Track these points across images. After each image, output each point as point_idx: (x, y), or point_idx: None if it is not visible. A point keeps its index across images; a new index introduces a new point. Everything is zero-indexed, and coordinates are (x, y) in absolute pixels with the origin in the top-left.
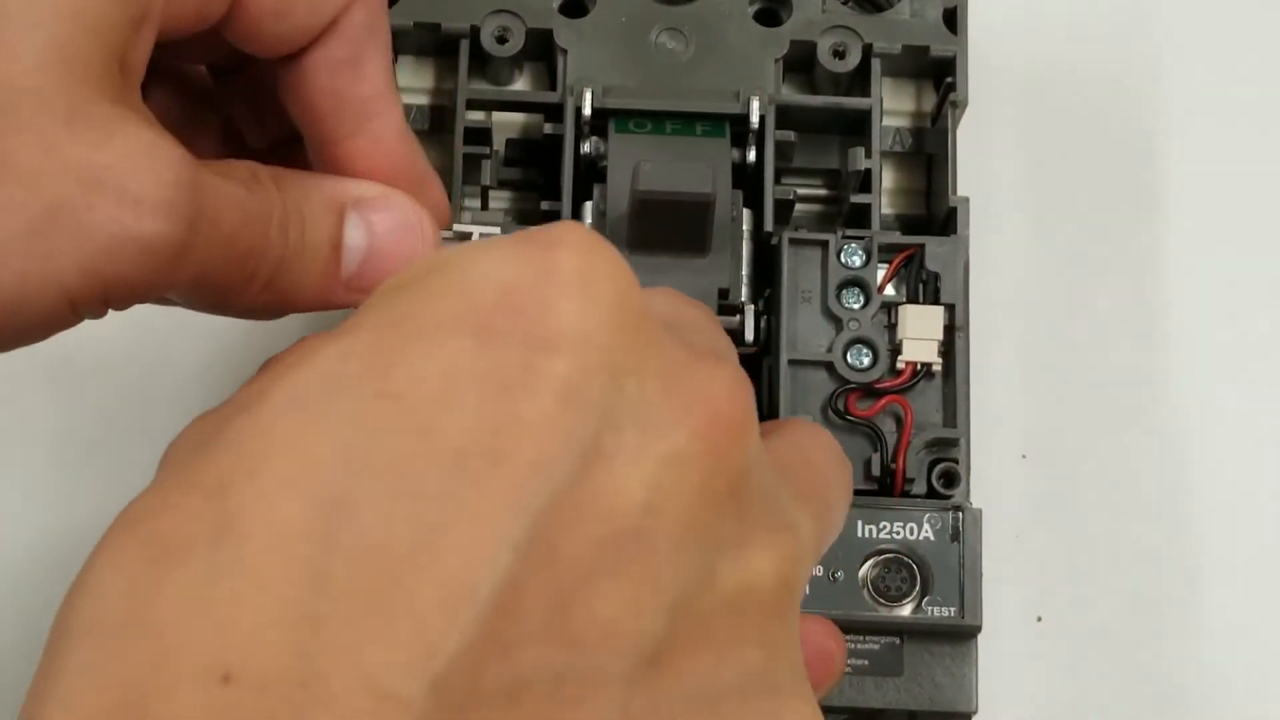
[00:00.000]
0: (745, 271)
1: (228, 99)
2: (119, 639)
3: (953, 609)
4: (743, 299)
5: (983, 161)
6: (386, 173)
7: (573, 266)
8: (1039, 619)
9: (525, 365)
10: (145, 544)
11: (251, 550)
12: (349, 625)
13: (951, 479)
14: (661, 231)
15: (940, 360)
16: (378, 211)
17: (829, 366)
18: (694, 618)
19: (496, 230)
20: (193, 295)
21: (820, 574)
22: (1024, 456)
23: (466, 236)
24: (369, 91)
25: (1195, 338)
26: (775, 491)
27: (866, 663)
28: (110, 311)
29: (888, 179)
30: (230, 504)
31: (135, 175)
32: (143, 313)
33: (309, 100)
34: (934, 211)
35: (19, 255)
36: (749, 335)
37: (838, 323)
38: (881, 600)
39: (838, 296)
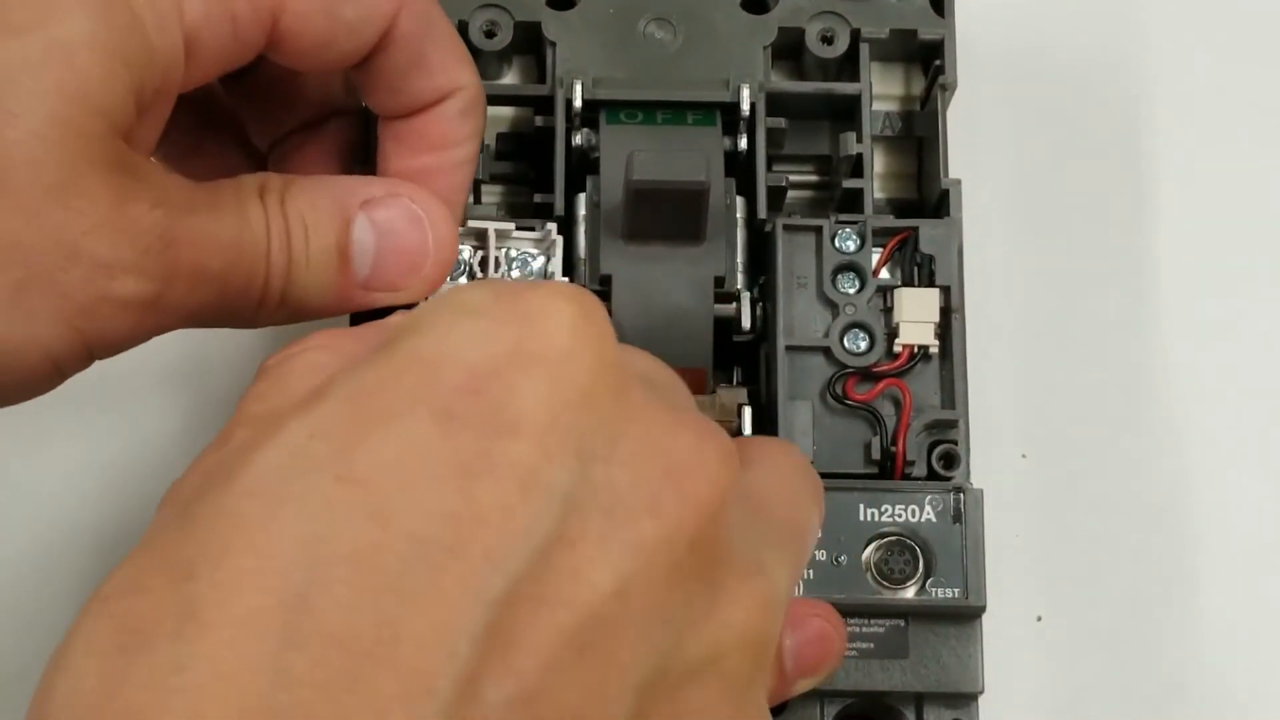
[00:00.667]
0: (740, 259)
1: (236, 99)
2: None
3: (956, 590)
4: (738, 286)
5: (971, 144)
6: (436, 154)
7: (547, 343)
8: (1039, 619)
9: (485, 451)
10: (116, 627)
11: (213, 641)
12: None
13: (951, 460)
14: (656, 221)
15: (937, 342)
16: (384, 210)
17: (826, 351)
18: (661, 694)
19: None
20: (202, 324)
21: (824, 558)
22: (1024, 456)
23: (481, 234)
24: (438, 82)
25: (1191, 329)
26: (750, 538)
27: (872, 646)
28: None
29: (878, 163)
30: (195, 589)
31: (108, 242)
32: None
33: (379, 98)
34: (925, 195)
35: (3, 318)
36: (745, 322)
37: (834, 308)
38: (885, 583)
39: (833, 281)
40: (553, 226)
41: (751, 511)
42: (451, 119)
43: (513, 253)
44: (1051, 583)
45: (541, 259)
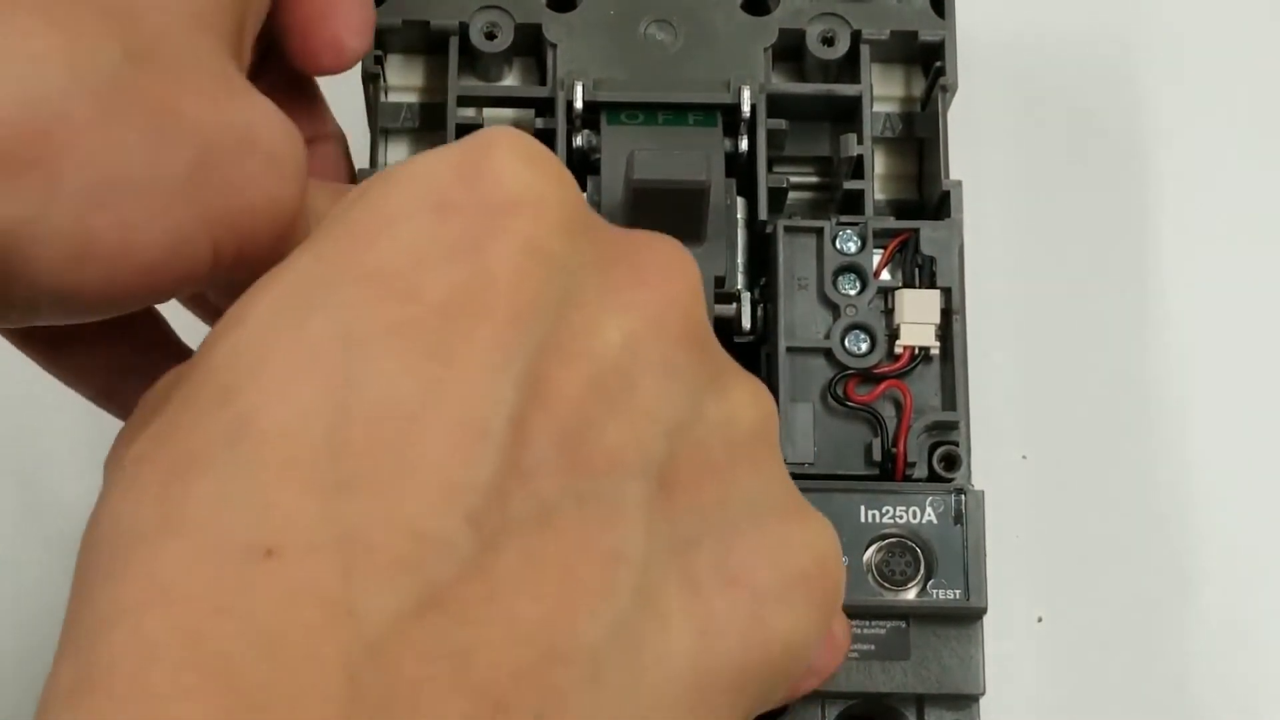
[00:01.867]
0: (740, 260)
1: None
2: (155, 544)
3: (958, 591)
4: (739, 287)
5: (972, 145)
6: None
7: (514, 145)
8: (1039, 619)
9: (488, 227)
10: (162, 463)
11: (270, 439)
12: (377, 482)
13: (952, 462)
14: (657, 220)
15: (938, 344)
16: None
17: (827, 353)
18: (691, 445)
19: None
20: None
21: None
22: (1024, 457)
23: None
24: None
25: (1192, 330)
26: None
27: (873, 647)
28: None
29: (878, 164)
30: (240, 406)
31: (277, 139)
32: None
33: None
34: (926, 196)
35: (180, 200)
36: (746, 323)
37: (834, 309)
38: (886, 585)
39: (834, 283)
40: None
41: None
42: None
43: None
44: (1052, 584)
45: None
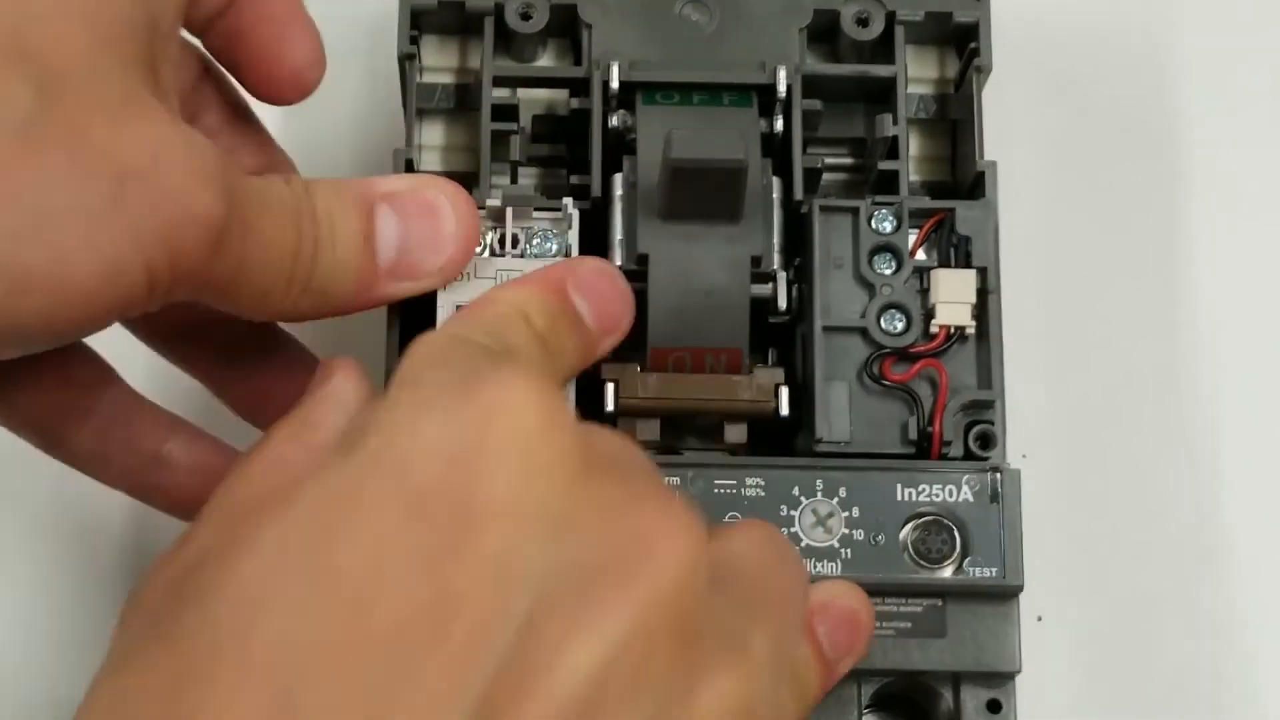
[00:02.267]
0: (776, 239)
1: None
2: None
3: (994, 569)
4: (775, 266)
5: (1002, 127)
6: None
7: (508, 428)
8: (1039, 619)
9: (457, 540)
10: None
11: None
12: None
13: (988, 440)
14: (694, 200)
15: (973, 323)
16: (406, 199)
17: (863, 332)
18: None
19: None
20: (235, 293)
21: (861, 538)
22: (1024, 456)
23: (499, 214)
24: None
25: (1211, 331)
26: (726, 615)
27: (909, 625)
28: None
29: (912, 146)
30: (183, 708)
31: (188, 154)
32: None
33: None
34: (959, 177)
35: (107, 224)
36: (781, 303)
37: (870, 288)
38: (922, 563)
39: (869, 262)
40: (569, 201)
41: (725, 583)
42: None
43: (534, 230)
44: (1052, 583)
45: (560, 237)
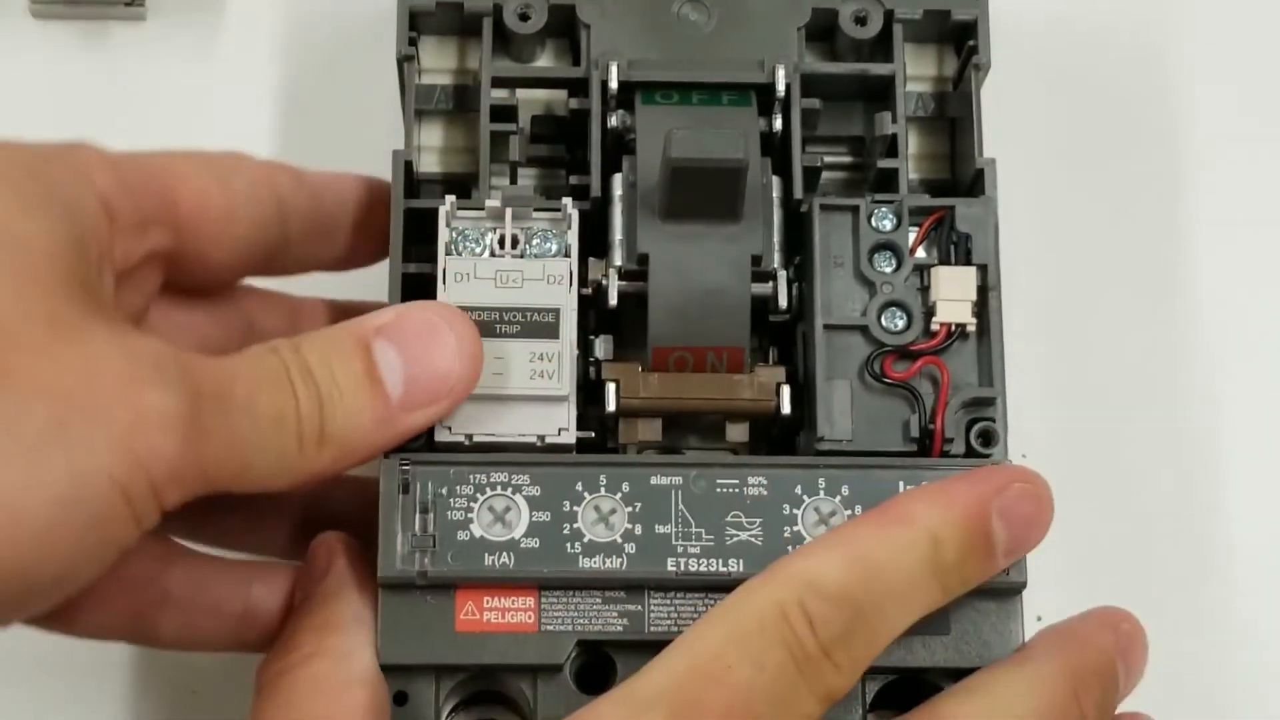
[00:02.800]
0: (776, 238)
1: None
2: None
3: None
4: (775, 265)
5: (999, 126)
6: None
7: None
8: (1039, 618)
9: None
10: None
11: None
12: None
13: (990, 438)
14: (694, 199)
15: (974, 320)
16: (400, 330)
17: (864, 330)
18: None
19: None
20: (244, 472)
21: None
22: (1024, 456)
23: (499, 215)
24: (335, 191)
25: (1211, 328)
26: None
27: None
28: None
29: (911, 144)
30: None
31: (128, 361)
32: None
33: (317, 253)
34: (959, 175)
35: (56, 454)
36: (782, 302)
37: (871, 287)
38: None
39: (870, 260)
40: (568, 201)
41: None
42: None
43: (534, 230)
44: (1052, 583)
45: (560, 237)
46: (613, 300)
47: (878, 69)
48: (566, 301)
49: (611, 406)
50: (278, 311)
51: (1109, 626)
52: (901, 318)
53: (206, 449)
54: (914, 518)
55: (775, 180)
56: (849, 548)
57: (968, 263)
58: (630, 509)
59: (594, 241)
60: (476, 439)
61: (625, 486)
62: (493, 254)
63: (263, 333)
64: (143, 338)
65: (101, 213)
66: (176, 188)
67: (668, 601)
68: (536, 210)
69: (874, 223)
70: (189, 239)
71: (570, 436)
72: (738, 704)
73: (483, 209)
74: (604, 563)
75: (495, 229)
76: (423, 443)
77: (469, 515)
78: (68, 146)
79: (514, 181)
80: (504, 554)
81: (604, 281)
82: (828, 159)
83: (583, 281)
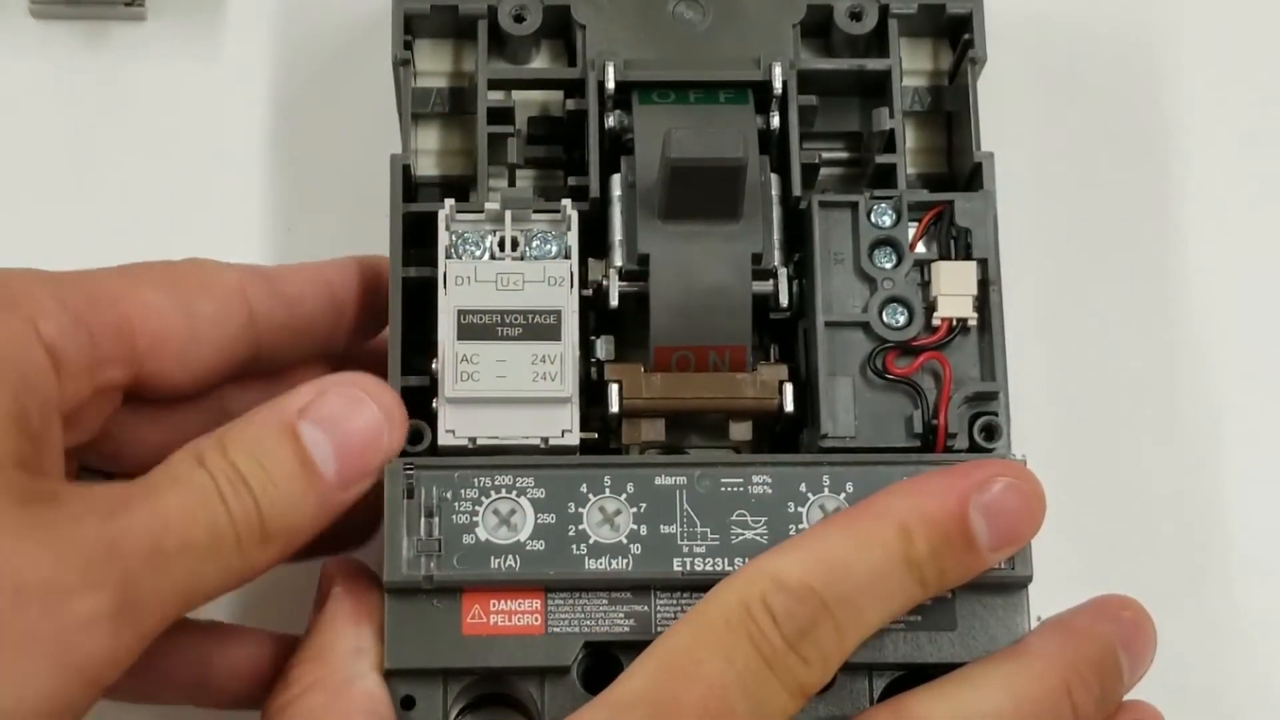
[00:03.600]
0: (776, 236)
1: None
2: None
3: (1003, 561)
4: (775, 263)
5: (994, 120)
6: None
7: None
8: (1039, 618)
9: None
10: None
11: None
12: None
13: (993, 432)
14: (694, 199)
15: (975, 315)
16: (321, 407)
17: (865, 326)
18: None
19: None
20: (197, 600)
21: None
22: (1023, 457)
23: (498, 217)
24: (310, 302)
25: (1210, 323)
26: None
27: (919, 618)
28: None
29: (909, 138)
30: None
31: (48, 568)
32: None
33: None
34: (956, 169)
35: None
36: (783, 299)
37: (871, 283)
38: None
39: (870, 256)
40: (567, 203)
41: None
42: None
43: (533, 232)
44: (1051, 583)
45: (560, 239)
46: (614, 301)
47: (874, 64)
48: (568, 303)
49: (614, 407)
50: (252, 391)
51: (1108, 615)
52: (902, 313)
53: (145, 616)
54: (885, 512)
55: (774, 178)
56: (815, 545)
57: (968, 257)
58: (635, 510)
59: (594, 242)
60: (480, 442)
61: (630, 487)
62: (493, 257)
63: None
64: (70, 523)
65: (46, 367)
66: (133, 318)
67: (674, 602)
68: (536, 212)
69: (873, 219)
70: (150, 366)
71: (574, 438)
72: (713, 699)
73: (482, 212)
74: (610, 564)
75: (495, 231)
76: (427, 447)
77: (474, 518)
78: (6, 282)
79: (512, 183)
80: (510, 557)
81: (605, 282)
82: (826, 155)
83: (583, 282)
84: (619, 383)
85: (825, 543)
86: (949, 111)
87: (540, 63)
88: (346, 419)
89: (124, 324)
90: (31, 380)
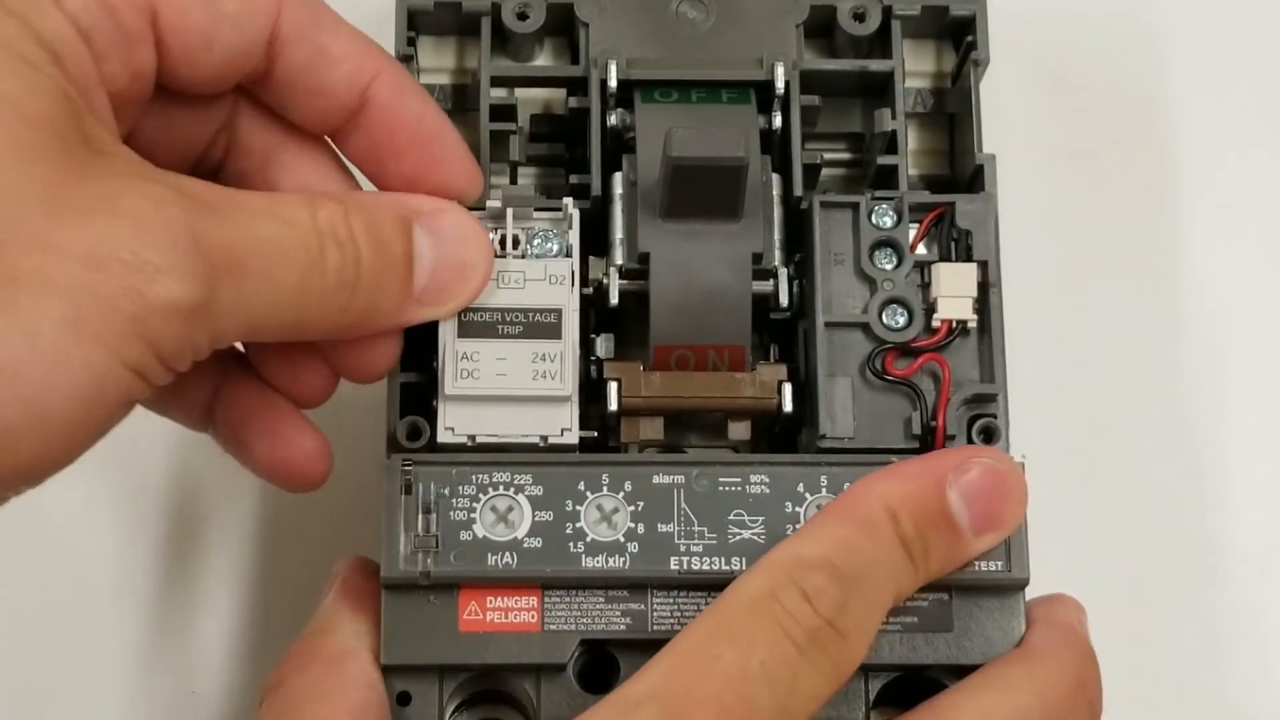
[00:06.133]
0: (777, 236)
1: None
2: None
3: (1000, 563)
4: (775, 263)
5: (997, 122)
6: (402, 137)
7: None
8: None
9: None
10: None
11: None
12: None
13: (991, 433)
14: (695, 198)
15: (975, 317)
16: (439, 223)
17: (865, 327)
18: None
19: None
20: (263, 332)
21: None
22: (1023, 457)
23: (500, 215)
24: (348, 70)
25: (1211, 324)
26: None
27: (916, 620)
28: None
29: (910, 140)
30: None
31: (130, 247)
32: None
33: (303, 108)
34: (958, 171)
35: (74, 354)
36: (783, 299)
37: (871, 284)
38: None
39: (870, 257)
40: (569, 201)
41: None
42: (391, 104)
43: (534, 230)
44: (1051, 584)
45: (561, 237)
46: (614, 299)
47: (876, 65)
48: (568, 301)
49: (613, 405)
50: (264, 125)
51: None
52: (902, 314)
53: (217, 323)
54: (871, 495)
55: (775, 178)
56: (821, 531)
57: (968, 259)
58: (633, 508)
59: (595, 240)
60: (479, 439)
61: (627, 485)
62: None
63: (245, 145)
64: (151, 197)
65: (78, 41)
66: (157, 1)
67: (671, 600)
68: (537, 210)
69: (874, 219)
70: (175, 52)
71: (573, 436)
72: (729, 693)
73: (483, 209)
74: (607, 562)
75: (496, 229)
76: (426, 443)
77: (472, 515)
78: None
79: (514, 181)
80: (507, 554)
81: (605, 280)
82: (827, 156)
83: (584, 281)
84: (618, 381)
85: (828, 529)
86: (951, 113)
87: (543, 60)
88: (454, 243)
89: (148, 5)
90: (67, 57)
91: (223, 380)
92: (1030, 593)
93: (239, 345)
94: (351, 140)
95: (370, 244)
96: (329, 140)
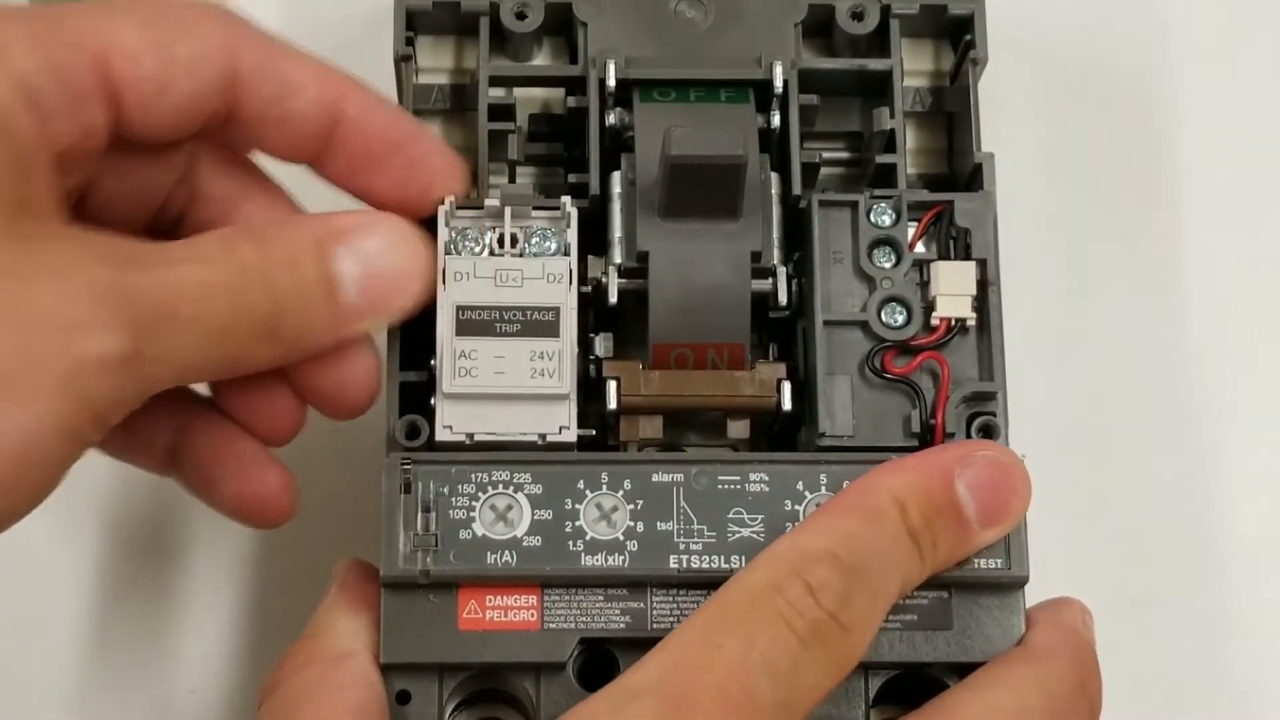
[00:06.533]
0: (776, 235)
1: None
2: None
3: (999, 560)
4: (774, 262)
5: (995, 121)
6: (378, 147)
7: None
8: None
9: None
10: None
11: None
12: None
13: (991, 431)
14: (693, 197)
15: (974, 315)
16: (363, 237)
17: (864, 326)
18: None
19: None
20: (194, 377)
21: None
22: (1023, 456)
23: (498, 214)
24: (314, 95)
25: (1211, 323)
26: None
27: (915, 618)
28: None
29: (909, 139)
30: None
31: (62, 303)
32: None
33: (276, 142)
34: (956, 169)
35: (9, 412)
36: (782, 298)
37: (870, 282)
38: None
39: (869, 256)
40: (567, 199)
41: None
42: (362, 117)
43: (533, 229)
44: (1051, 584)
45: (559, 236)
46: (613, 298)
47: (875, 64)
48: (566, 300)
49: (612, 404)
50: (225, 173)
51: (1085, 614)
52: (901, 313)
53: (149, 371)
54: (878, 487)
55: (774, 177)
56: (824, 523)
57: (967, 257)
58: (632, 506)
59: (593, 239)
60: (478, 438)
61: (627, 484)
62: (492, 253)
63: (206, 195)
64: (80, 258)
65: (23, 106)
66: (108, 53)
67: (670, 599)
68: (535, 209)
69: (873, 218)
70: (129, 105)
71: (571, 435)
72: (731, 684)
73: (482, 208)
74: (606, 560)
75: (494, 228)
76: (424, 442)
77: (471, 514)
78: None
79: (512, 180)
80: (506, 552)
81: (604, 279)
82: (826, 155)
83: (582, 279)
84: (617, 380)
85: (832, 520)
86: (950, 112)
87: (542, 60)
88: (381, 256)
89: (99, 61)
90: (9, 120)
91: (186, 423)
92: (1029, 590)
93: (201, 388)
94: (330, 163)
95: (286, 271)
96: (310, 166)
